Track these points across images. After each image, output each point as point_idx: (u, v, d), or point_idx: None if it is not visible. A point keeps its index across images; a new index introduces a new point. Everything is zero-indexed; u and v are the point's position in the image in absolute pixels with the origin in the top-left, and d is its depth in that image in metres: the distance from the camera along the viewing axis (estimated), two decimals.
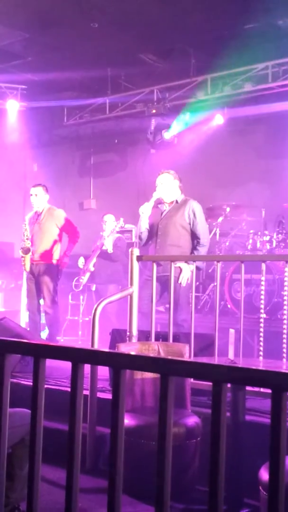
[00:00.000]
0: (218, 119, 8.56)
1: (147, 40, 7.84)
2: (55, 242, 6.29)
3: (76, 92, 9.66)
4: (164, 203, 5.25)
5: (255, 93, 8.02)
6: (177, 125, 8.71)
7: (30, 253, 6.19)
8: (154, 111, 8.56)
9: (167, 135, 8.74)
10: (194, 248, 5.13)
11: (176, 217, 5.13)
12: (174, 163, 8.43)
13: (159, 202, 5.27)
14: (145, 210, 5.11)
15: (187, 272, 4.92)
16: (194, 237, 5.14)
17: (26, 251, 6.20)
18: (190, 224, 5.12)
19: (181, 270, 4.96)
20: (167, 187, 5.17)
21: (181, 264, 4.95)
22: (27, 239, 6.24)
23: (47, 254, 6.24)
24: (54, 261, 6.26)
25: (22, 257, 6.25)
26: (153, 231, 5.20)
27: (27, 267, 6.23)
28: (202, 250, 5.12)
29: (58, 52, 8.12)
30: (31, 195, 6.37)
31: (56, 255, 6.28)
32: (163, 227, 5.14)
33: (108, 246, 6.93)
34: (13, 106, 9.24)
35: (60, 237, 6.34)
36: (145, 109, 8.74)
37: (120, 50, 8.02)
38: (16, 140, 9.76)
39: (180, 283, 4.94)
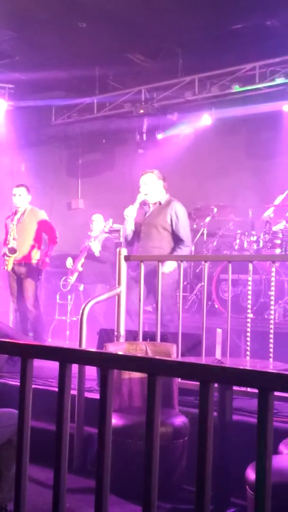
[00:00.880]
0: (206, 120, 8.58)
1: (135, 40, 7.84)
2: (36, 242, 6.29)
3: (64, 91, 9.63)
4: (148, 204, 5.22)
5: (242, 93, 8.05)
6: (173, 128, 8.75)
7: (16, 254, 6.19)
8: (142, 111, 8.56)
9: (160, 136, 8.77)
10: (175, 247, 5.06)
11: (158, 218, 5.09)
12: (162, 163, 8.43)
13: (143, 202, 5.24)
14: (130, 213, 5.09)
15: (168, 266, 4.84)
16: (177, 238, 5.09)
17: (12, 251, 6.18)
18: (172, 226, 5.07)
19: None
20: (151, 187, 5.12)
21: (165, 268, 4.81)
22: (13, 239, 6.22)
23: (29, 254, 6.24)
24: (35, 262, 6.26)
25: (7, 257, 6.23)
26: (136, 232, 5.18)
27: (9, 267, 6.23)
28: (185, 250, 5.06)
29: (45, 51, 8.09)
30: (14, 195, 6.36)
31: (37, 255, 6.28)
32: (146, 228, 5.12)
33: (95, 250, 6.89)
34: (1, 106, 9.19)
35: (41, 237, 6.35)
36: (133, 109, 8.73)
37: (108, 50, 8.01)
38: (3, 139, 9.70)
39: (166, 283, 4.81)
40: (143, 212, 5.22)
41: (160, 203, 5.16)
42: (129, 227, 5.18)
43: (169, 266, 4.87)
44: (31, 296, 6.21)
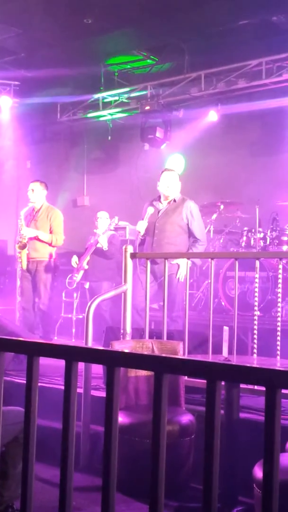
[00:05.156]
0: (212, 116, 8.55)
1: (141, 36, 7.82)
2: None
3: (69, 88, 9.63)
4: (160, 202, 5.29)
5: (249, 89, 8.02)
6: (179, 124, 8.72)
7: (26, 249, 6.13)
8: (147, 107, 8.54)
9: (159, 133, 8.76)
10: (191, 246, 5.21)
11: (173, 216, 5.21)
12: (168, 160, 8.43)
13: (154, 199, 5.33)
14: (141, 228, 5.17)
15: (184, 268, 4.93)
16: (192, 236, 5.23)
17: (22, 246, 6.13)
18: (187, 224, 5.20)
19: (178, 266, 5.03)
20: (173, 187, 5.21)
21: (179, 261, 5.00)
22: (20, 236, 6.18)
23: (43, 251, 6.20)
24: (51, 258, 6.23)
25: (18, 253, 6.20)
26: (150, 229, 5.23)
27: (24, 265, 6.17)
28: (201, 249, 5.22)
29: (51, 48, 8.09)
30: (28, 190, 6.34)
31: (52, 252, 6.25)
32: (161, 225, 5.21)
33: (103, 244, 6.89)
34: (6, 103, 9.20)
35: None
36: (139, 106, 8.72)
37: (113, 46, 7.99)
38: (9, 136, 9.72)
39: (178, 280, 5.01)
40: (156, 210, 5.28)
41: (174, 201, 5.26)
42: (141, 235, 5.24)
43: (182, 273, 4.96)
44: (44, 293, 6.15)
